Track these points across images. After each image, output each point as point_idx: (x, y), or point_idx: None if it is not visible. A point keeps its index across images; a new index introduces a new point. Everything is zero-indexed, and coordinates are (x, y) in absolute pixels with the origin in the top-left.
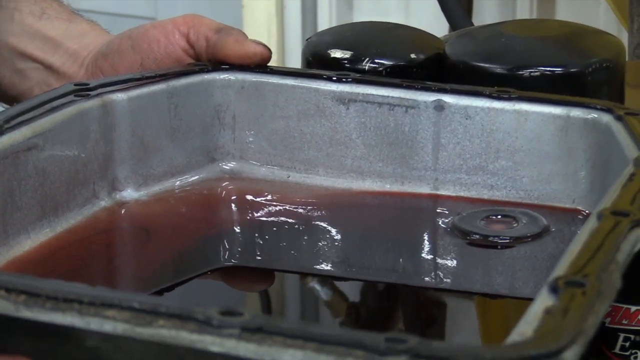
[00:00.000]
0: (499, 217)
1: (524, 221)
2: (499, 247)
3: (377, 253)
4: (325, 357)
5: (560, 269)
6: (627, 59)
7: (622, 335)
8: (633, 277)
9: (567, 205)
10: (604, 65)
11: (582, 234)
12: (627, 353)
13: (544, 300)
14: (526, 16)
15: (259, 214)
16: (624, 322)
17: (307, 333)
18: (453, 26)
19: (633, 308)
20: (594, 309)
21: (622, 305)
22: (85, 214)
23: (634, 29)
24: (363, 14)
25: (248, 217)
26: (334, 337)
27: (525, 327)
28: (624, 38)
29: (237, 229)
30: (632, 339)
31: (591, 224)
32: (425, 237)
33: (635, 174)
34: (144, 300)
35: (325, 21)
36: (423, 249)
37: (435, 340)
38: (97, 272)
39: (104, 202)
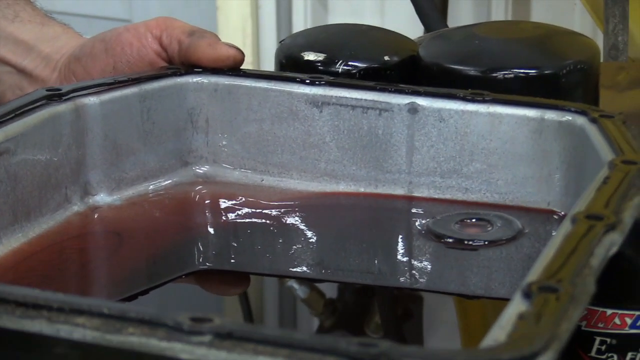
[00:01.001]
0: (474, 220)
1: (499, 224)
2: (474, 248)
3: (351, 255)
4: None
5: (534, 274)
6: (602, 60)
7: (598, 339)
8: (609, 280)
9: (541, 207)
10: (579, 67)
11: (556, 238)
12: (604, 356)
13: (517, 305)
14: (501, 17)
15: (232, 218)
16: (600, 325)
17: (278, 339)
18: (427, 28)
19: (609, 311)
20: (568, 314)
21: (598, 309)
22: (57, 218)
23: (609, 30)
24: (338, 15)
25: (222, 221)
26: (306, 343)
27: (499, 332)
28: (600, 39)
29: (211, 233)
30: (608, 342)
31: (565, 228)
32: (400, 239)
33: (609, 177)
34: (113, 307)
35: (300, 23)
36: (398, 251)
37: (407, 345)
38: (70, 278)
39: (76, 207)
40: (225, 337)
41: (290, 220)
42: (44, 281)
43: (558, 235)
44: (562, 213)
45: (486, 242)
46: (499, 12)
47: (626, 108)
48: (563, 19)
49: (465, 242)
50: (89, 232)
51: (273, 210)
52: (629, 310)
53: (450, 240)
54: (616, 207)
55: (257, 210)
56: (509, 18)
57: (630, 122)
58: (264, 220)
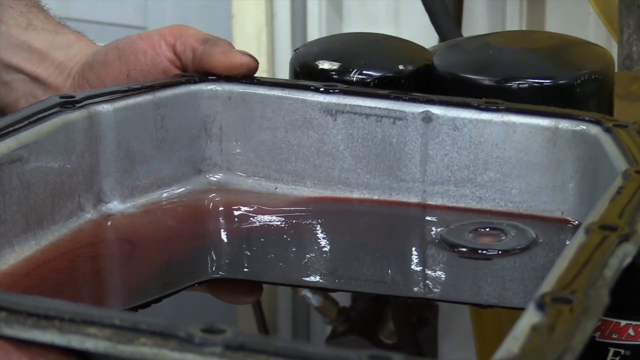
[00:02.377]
0: (487, 229)
1: (513, 234)
2: (487, 258)
3: (365, 264)
4: None
5: (548, 285)
6: (616, 70)
7: (612, 350)
8: (623, 292)
9: (555, 216)
10: (593, 77)
11: (570, 249)
12: None
13: (530, 317)
14: (516, 27)
15: (246, 226)
16: (614, 336)
17: (290, 351)
18: (442, 37)
19: (623, 322)
20: (581, 325)
21: (612, 320)
22: (70, 226)
23: (624, 40)
24: (353, 24)
25: (235, 229)
26: (317, 355)
27: (512, 344)
28: (614, 49)
29: (225, 241)
30: (622, 353)
31: (579, 238)
32: (414, 249)
33: (623, 187)
34: (125, 317)
35: (315, 31)
36: (411, 260)
37: (421, 356)
38: (83, 286)
39: (89, 215)
40: (237, 349)
41: (303, 228)
42: (57, 289)
43: (572, 246)
44: (576, 222)
45: (500, 252)
46: (514, 22)
47: None
48: (577, 28)
49: (479, 251)
50: (101, 240)
51: (286, 218)
52: None
53: (464, 249)
54: (630, 218)
55: (271, 218)
56: (524, 27)
57: None
58: (277, 228)
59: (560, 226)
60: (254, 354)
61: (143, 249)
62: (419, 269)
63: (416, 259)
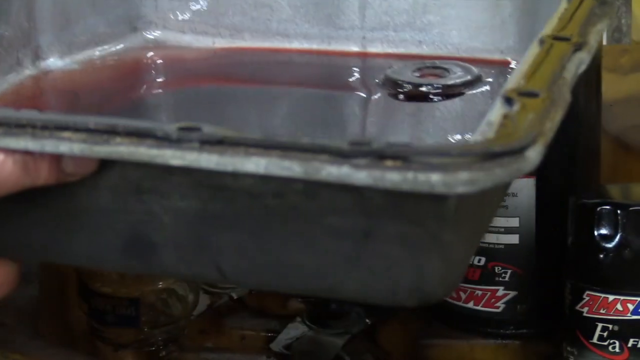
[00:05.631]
0: (431, 68)
1: (456, 71)
2: (431, 99)
3: (305, 113)
4: (289, 162)
5: (511, 83)
6: (605, 42)
7: (600, 325)
8: (610, 266)
9: (496, 57)
10: None
11: (527, 57)
12: (606, 343)
13: (499, 110)
14: None
15: (184, 80)
16: (602, 311)
17: (269, 142)
18: None
19: (611, 297)
20: (550, 115)
21: (600, 295)
22: (11, 81)
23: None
24: None
25: (174, 83)
26: (297, 144)
27: (486, 129)
28: None
29: (164, 94)
30: (611, 328)
31: (534, 48)
32: (354, 95)
33: (568, 9)
34: (100, 121)
35: None
36: (351, 105)
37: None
38: None
39: (28, 71)
40: (216, 143)
41: (242, 79)
42: None
43: (528, 55)
44: (517, 63)
45: (444, 87)
46: None
47: (629, 91)
48: None
49: (422, 88)
50: (45, 93)
51: (226, 72)
52: (631, 296)
53: (408, 86)
54: (581, 30)
55: (210, 71)
56: None
57: (634, 105)
58: (216, 81)
59: (501, 67)
60: (233, 146)
61: (88, 99)
62: (358, 112)
63: (356, 104)
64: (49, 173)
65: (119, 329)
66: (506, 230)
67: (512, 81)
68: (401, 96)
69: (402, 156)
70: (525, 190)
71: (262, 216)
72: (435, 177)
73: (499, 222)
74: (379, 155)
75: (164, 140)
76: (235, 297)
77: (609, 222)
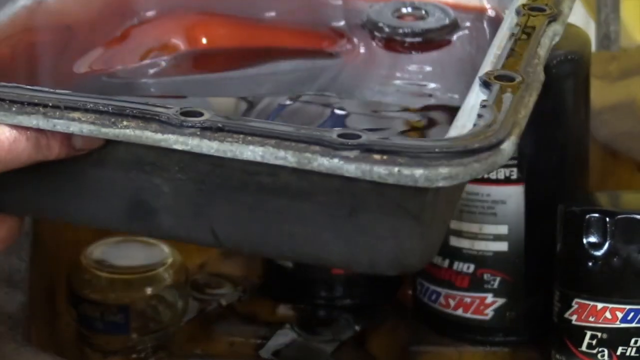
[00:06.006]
0: (409, 10)
1: (434, 14)
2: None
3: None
4: (284, 152)
5: (488, 64)
6: (594, 49)
7: (588, 333)
8: (599, 274)
9: (471, 4)
10: (569, 57)
11: (502, 31)
12: (594, 351)
13: (478, 95)
14: None
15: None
16: (591, 319)
17: (267, 131)
18: None
19: (599, 305)
20: (524, 101)
21: (589, 303)
22: (7, 12)
23: (601, 20)
24: None
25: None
26: (292, 134)
27: (465, 120)
28: (592, 29)
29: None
30: (599, 336)
31: (510, 19)
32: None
33: None
34: (107, 103)
35: None
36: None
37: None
38: (23, 72)
39: (23, 1)
40: (216, 130)
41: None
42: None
43: (503, 28)
44: (492, 8)
45: (423, 31)
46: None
47: (618, 98)
48: None
49: (401, 30)
50: (37, 27)
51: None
52: (619, 304)
53: (387, 29)
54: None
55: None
56: None
57: (622, 112)
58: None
59: (478, 14)
60: (233, 133)
61: (82, 34)
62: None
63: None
64: (59, 149)
65: (107, 336)
66: (495, 238)
67: (489, 61)
68: (379, 42)
69: (389, 151)
70: (514, 197)
71: (256, 191)
72: (418, 172)
73: (488, 229)
74: (367, 149)
75: (168, 124)
76: (224, 304)
77: (598, 229)
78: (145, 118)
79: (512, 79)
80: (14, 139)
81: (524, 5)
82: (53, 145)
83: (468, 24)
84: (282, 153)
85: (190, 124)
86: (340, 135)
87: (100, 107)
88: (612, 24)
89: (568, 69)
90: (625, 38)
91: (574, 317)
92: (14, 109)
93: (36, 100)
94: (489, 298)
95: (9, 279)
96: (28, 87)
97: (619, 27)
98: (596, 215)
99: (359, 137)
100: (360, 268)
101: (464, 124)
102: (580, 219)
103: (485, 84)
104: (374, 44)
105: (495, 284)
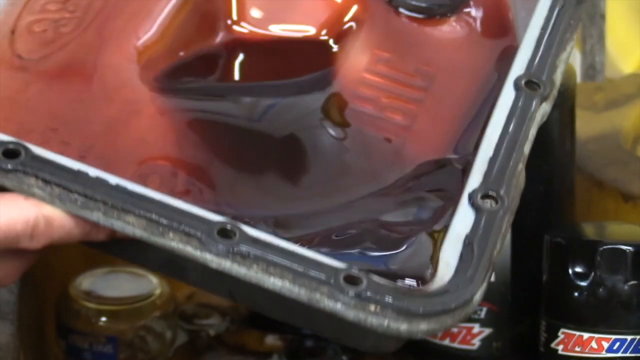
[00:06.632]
0: None
1: None
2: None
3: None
4: (298, 289)
5: (476, 180)
6: (579, 80)
7: None
8: (585, 305)
9: None
10: None
11: (499, 112)
12: None
13: (466, 215)
14: None
15: None
16: (577, 349)
17: (286, 263)
18: None
19: (586, 335)
20: (502, 231)
21: (575, 333)
22: None
23: (587, 50)
24: None
25: None
26: (306, 274)
27: (450, 253)
28: (577, 59)
29: None
30: None
31: (508, 95)
32: None
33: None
34: (160, 211)
35: None
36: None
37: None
38: None
39: None
40: (244, 256)
41: None
42: None
43: (501, 107)
44: None
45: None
46: None
47: (604, 129)
48: None
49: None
50: None
51: None
52: (605, 334)
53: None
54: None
55: None
56: None
57: (608, 142)
58: None
59: None
60: (257, 261)
61: None
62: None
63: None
64: (104, 238)
65: None
66: None
67: (474, 181)
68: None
69: (382, 303)
70: None
71: (271, 296)
72: (403, 327)
73: None
74: (366, 298)
75: (205, 244)
76: (212, 334)
77: (584, 260)
78: (188, 235)
79: (496, 201)
80: (71, 225)
81: (521, 78)
82: (100, 235)
83: None
84: (296, 290)
85: (224, 246)
86: (345, 279)
87: (153, 217)
88: (597, 55)
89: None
90: (611, 68)
91: (561, 347)
92: (79, 203)
93: (98, 197)
94: (476, 328)
95: None
96: (91, 174)
97: (604, 58)
98: (582, 245)
99: (360, 282)
100: (348, 345)
101: (447, 260)
102: (566, 250)
103: (472, 204)
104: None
105: (482, 314)
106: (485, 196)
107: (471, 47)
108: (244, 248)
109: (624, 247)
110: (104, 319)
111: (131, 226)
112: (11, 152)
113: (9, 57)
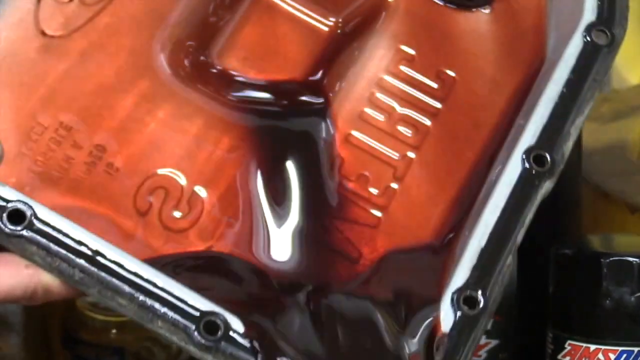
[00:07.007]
0: None
1: None
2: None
3: None
4: None
5: (461, 278)
6: None
7: None
8: (592, 316)
9: None
10: None
11: (501, 189)
12: None
13: (447, 313)
14: None
15: None
16: None
17: None
18: None
19: (592, 347)
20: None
21: (582, 344)
22: None
23: None
24: None
25: None
26: None
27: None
28: None
29: None
30: None
31: (515, 168)
32: None
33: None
34: (149, 293)
35: None
36: None
37: None
38: None
39: None
40: (228, 357)
41: None
42: None
43: (502, 186)
44: None
45: None
46: None
47: (610, 140)
48: None
49: None
50: None
51: None
52: (613, 346)
53: None
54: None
55: None
56: None
57: (614, 154)
58: None
59: None
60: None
61: None
62: None
63: None
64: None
65: None
66: None
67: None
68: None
69: None
70: None
71: None
72: None
73: None
74: None
75: (191, 338)
76: None
77: (590, 272)
78: (177, 327)
79: (476, 303)
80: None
81: (531, 151)
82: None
83: None
84: None
85: (209, 344)
86: None
87: (147, 303)
88: None
89: None
90: (617, 79)
91: (567, 359)
92: (77, 278)
93: (94, 276)
94: (482, 339)
95: (4, 321)
96: (90, 247)
97: (610, 69)
98: (588, 257)
99: None
100: None
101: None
102: (572, 261)
103: (453, 305)
104: None
105: (489, 325)
106: (468, 299)
107: (497, 50)
108: (228, 344)
109: (630, 259)
110: (110, 330)
111: (124, 308)
112: (17, 215)
113: (32, 34)
